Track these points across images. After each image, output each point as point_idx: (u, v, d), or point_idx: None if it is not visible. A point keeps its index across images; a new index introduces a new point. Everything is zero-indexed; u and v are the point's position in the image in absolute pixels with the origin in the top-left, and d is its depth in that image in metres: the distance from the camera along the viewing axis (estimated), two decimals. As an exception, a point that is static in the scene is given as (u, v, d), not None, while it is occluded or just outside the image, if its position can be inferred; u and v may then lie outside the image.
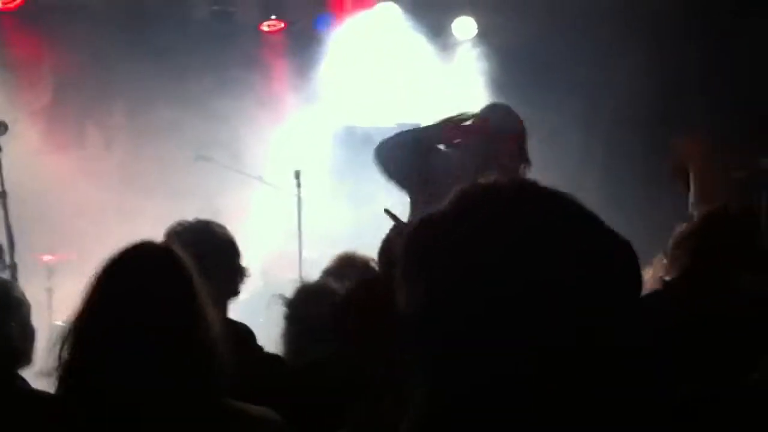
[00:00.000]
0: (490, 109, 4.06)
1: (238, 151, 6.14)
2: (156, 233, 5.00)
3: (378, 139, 6.14)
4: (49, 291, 4.77)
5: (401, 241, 1.07)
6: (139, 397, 1.82)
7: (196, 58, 6.20)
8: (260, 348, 2.54)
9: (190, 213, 6.05)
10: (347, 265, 3.07)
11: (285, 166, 5.80)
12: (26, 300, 2.52)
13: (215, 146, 6.11)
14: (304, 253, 5.34)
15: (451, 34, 6.72)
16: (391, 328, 1.00)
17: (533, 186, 1.06)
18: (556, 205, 1.03)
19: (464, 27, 6.72)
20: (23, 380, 2.41)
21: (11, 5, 5.79)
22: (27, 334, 2.48)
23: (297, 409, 2.07)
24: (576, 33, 5.88)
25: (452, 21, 6.71)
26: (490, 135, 3.89)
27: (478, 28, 6.69)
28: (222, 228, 2.62)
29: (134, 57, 5.95)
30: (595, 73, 5.85)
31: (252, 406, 1.94)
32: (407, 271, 1.03)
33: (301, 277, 4.54)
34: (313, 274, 3.10)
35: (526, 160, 3.92)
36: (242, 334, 2.52)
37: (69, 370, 1.88)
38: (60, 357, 1.90)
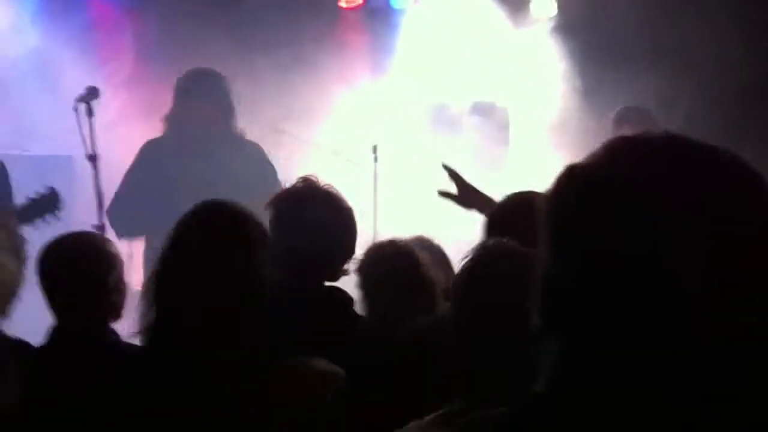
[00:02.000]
0: None
1: (313, 125, 6.18)
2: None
3: (455, 116, 6.14)
4: (130, 257, 4.88)
5: (543, 198, 1.03)
6: (197, 358, 1.88)
7: (273, 32, 6.25)
8: (358, 315, 2.58)
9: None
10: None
11: (360, 141, 5.81)
12: (120, 256, 2.59)
13: (290, 120, 6.16)
14: (380, 229, 5.32)
15: (530, 11, 6.64)
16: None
17: (689, 139, 1.00)
18: (716, 158, 0.98)
19: (543, 5, 6.63)
20: (116, 334, 2.48)
21: (97, -24, 5.91)
22: (121, 289, 2.56)
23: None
24: (658, 10, 5.75)
25: (531, -1, 6.63)
26: None
27: (557, 5, 6.60)
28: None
29: (212, 30, 6.03)
30: (678, 51, 5.71)
31: (310, 359, 1.98)
32: (555, 227, 0.99)
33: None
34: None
35: None
36: (344, 300, 2.55)
37: (145, 329, 1.95)
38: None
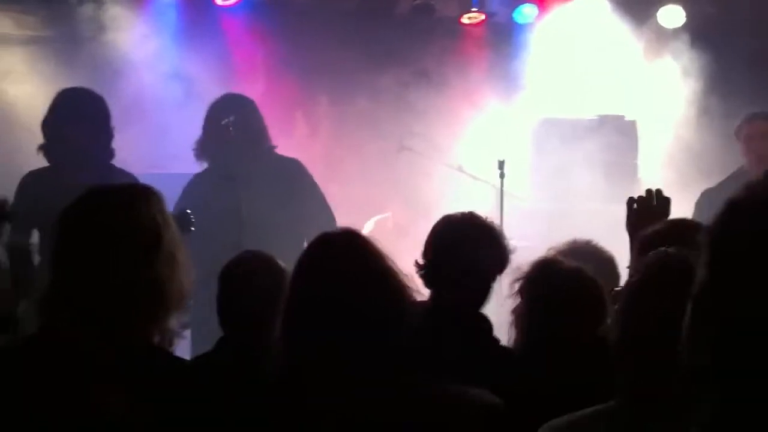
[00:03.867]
0: None
1: (436, 142, 6.22)
2: (357, 219, 5.12)
3: (580, 131, 6.06)
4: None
5: (706, 227, 1.03)
6: (338, 371, 1.89)
7: (396, 50, 6.34)
8: (496, 340, 2.60)
9: (391, 201, 6.19)
10: (579, 252, 2.93)
11: (484, 157, 5.81)
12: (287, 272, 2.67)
13: (413, 137, 6.22)
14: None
15: (657, 24, 6.51)
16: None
17: None
18: None
19: (671, 16, 6.49)
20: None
21: (230, 2, 6.15)
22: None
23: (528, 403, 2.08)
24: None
25: (658, 10, 6.50)
26: None
27: (686, 17, 6.44)
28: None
29: (339, 50, 6.18)
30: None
31: (470, 389, 1.97)
32: (718, 257, 1.00)
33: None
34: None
35: None
36: (479, 324, 2.57)
37: (280, 343, 1.99)
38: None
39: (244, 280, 2.61)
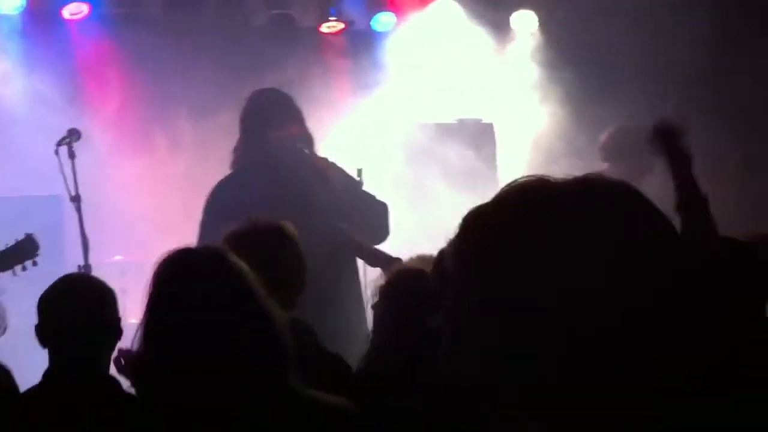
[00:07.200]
0: None
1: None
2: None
3: (441, 136, 6.15)
4: (123, 291, 4.88)
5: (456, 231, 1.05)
6: (204, 390, 1.88)
7: (255, 62, 6.28)
8: (323, 347, 2.60)
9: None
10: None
11: (345, 165, 5.81)
12: (113, 292, 2.60)
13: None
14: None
15: (511, 28, 6.69)
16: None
17: (596, 181, 1.02)
18: (625, 204, 1.00)
19: (524, 20, 6.68)
20: (116, 381, 2.47)
21: (78, 15, 5.94)
22: (116, 327, 2.57)
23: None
24: (636, 19, 5.80)
25: (511, 14, 6.68)
26: None
27: (538, 21, 6.65)
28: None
29: (196, 63, 6.06)
30: (659, 61, 5.76)
31: (325, 395, 1.99)
32: (460, 261, 1.02)
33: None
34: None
35: None
36: (304, 332, 2.58)
37: (139, 367, 1.94)
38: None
39: (62, 304, 2.52)
